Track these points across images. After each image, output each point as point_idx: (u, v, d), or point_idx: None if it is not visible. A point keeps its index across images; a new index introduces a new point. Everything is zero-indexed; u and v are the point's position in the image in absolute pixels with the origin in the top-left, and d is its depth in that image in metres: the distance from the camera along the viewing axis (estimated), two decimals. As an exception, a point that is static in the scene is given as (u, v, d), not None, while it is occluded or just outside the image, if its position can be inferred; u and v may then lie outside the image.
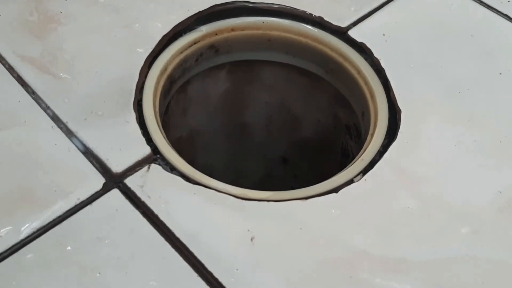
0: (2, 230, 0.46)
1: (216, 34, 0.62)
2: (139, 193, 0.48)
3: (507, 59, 0.59)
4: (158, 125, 0.53)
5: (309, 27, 0.62)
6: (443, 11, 0.63)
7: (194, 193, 0.49)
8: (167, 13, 0.61)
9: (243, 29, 0.62)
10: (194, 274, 0.45)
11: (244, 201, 0.49)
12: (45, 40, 0.58)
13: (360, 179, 0.51)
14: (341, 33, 0.61)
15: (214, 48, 0.63)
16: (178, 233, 0.46)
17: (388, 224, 0.48)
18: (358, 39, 0.60)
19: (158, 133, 0.53)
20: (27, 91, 0.54)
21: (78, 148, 0.51)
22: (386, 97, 0.57)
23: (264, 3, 0.63)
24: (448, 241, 0.47)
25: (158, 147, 0.52)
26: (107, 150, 0.51)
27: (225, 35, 0.62)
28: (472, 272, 0.46)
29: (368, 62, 0.59)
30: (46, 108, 0.53)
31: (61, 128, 0.52)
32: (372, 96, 0.57)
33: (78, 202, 0.48)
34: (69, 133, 0.52)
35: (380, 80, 0.58)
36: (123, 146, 0.51)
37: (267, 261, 0.46)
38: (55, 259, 0.45)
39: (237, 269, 0.45)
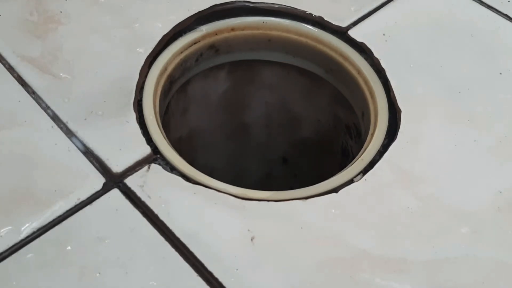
0: (2, 230, 0.46)
1: (216, 34, 0.62)
2: (139, 193, 0.48)
3: (507, 59, 0.59)
4: (158, 125, 0.53)
5: (309, 27, 0.62)
6: (443, 11, 0.63)
7: (194, 193, 0.49)
8: (167, 13, 0.61)
9: (243, 29, 0.62)
10: (194, 274, 0.45)
11: (244, 201, 0.49)
12: (45, 40, 0.58)
13: (360, 179, 0.51)
14: (341, 33, 0.61)
15: (214, 48, 0.63)
16: (178, 233, 0.46)
17: (388, 224, 0.48)
18: (358, 39, 0.60)
19: (158, 133, 0.53)
20: (27, 91, 0.54)
21: (78, 148, 0.51)
22: (386, 97, 0.57)
23: (264, 3, 0.63)
24: (448, 241, 0.47)
25: (158, 147, 0.52)
26: (107, 150, 0.51)
27: (225, 35, 0.62)
28: (472, 272, 0.46)
29: (368, 62, 0.59)
30: (46, 108, 0.53)
31: (61, 128, 0.52)
32: (372, 96, 0.57)
33: (78, 202, 0.48)
34: (69, 133, 0.52)
35: (380, 80, 0.58)
36: (123, 146, 0.51)
37: (267, 261, 0.46)
38: (55, 259, 0.45)
39: (237, 269, 0.45)
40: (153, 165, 0.50)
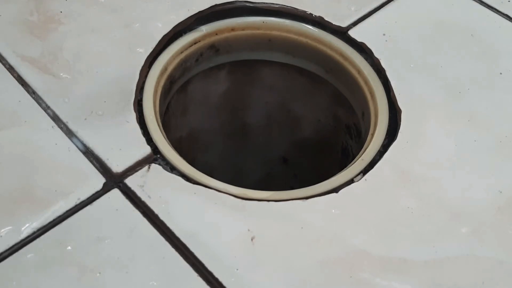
0: (2, 230, 0.46)
1: (216, 34, 0.62)
2: (139, 193, 0.48)
3: (507, 59, 0.59)
4: (158, 125, 0.53)
5: (309, 27, 0.62)
6: (443, 11, 0.64)
7: (194, 193, 0.49)
8: (167, 13, 0.61)
9: (243, 29, 0.62)
10: (194, 274, 0.45)
11: (244, 201, 0.49)
12: (45, 40, 0.58)
13: (360, 179, 0.51)
14: (341, 33, 0.61)
15: (214, 48, 0.63)
16: (178, 233, 0.46)
17: (388, 224, 0.48)
18: (358, 39, 0.60)
19: (158, 133, 0.53)
20: (27, 91, 0.54)
21: (78, 148, 0.51)
22: (386, 97, 0.57)
23: (264, 3, 0.63)
24: (448, 241, 0.47)
25: (158, 147, 0.52)
26: (107, 150, 0.51)
27: (225, 35, 0.62)
28: (472, 272, 0.46)
29: (368, 62, 0.59)
30: (46, 108, 0.53)
31: (61, 128, 0.52)
32: (372, 96, 0.57)
33: (78, 202, 0.48)
34: (69, 133, 0.52)
35: (380, 80, 0.58)
36: (123, 146, 0.51)
37: (267, 261, 0.46)
38: (55, 259, 0.45)
39: (237, 269, 0.45)
40: (153, 165, 0.50)
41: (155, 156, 0.51)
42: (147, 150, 0.51)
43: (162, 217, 0.47)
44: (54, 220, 0.47)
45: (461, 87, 0.57)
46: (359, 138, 0.62)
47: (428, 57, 0.59)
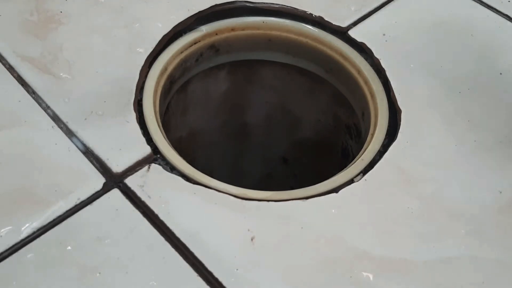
0: (2, 230, 0.46)
1: (216, 34, 0.62)
2: (139, 193, 0.48)
3: (507, 59, 0.59)
4: (158, 125, 0.53)
5: (309, 27, 0.62)
6: (443, 11, 0.64)
7: (194, 193, 0.49)
8: (167, 13, 0.61)
9: (243, 29, 0.62)
10: (194, 274, 0.45)
11: (244, 201, 0.49)
12: (45, 40, 0.58)
13: (360, 179, 0.51)
14: (341, 33, 0.61)
15: (214, 48, 0.63)
16: (178, 233, 0.46)
17: (388, 224, 0.48)
18: (358, 39, 0.60)
19: (158, 133, 0.53)
20: (27, 91, 0.54)
21: (78, 148, 0.51)
22: (386, 97, 0.57)
23: (264, 3, 0.63)
24: (448, 241, 0.47)
25: (158, 147, 0.52)
26: (107, 150, 0.51)
27: (225, 35, 0.62)
28: (472, 272, 0.46)
29: (368, 62, 0.59)
30: (46, 108, 0.53)
31: (61, 128, 0.52)
32: (372, 96, 0.57)
33: (78, 202, 0.48)
34: (69, 133, 0.52)
35: (380, 80, 0.58)
36: (123, 146, 0.51)
37: (267, 261, 0.46)
38: (55, 259, 0.45)
39: (237, 269, 0.45)
40: (153, 165, 0.50)
41: (155, 156, 0.51)
42: (147, 150, 0.51)
43: (162, 217, 0.47)
44: (54, 220, 0.47)
45: (461, 87, 0.57)
46: (359, 138, 0.62)
47: (428, 57, 0.59)
